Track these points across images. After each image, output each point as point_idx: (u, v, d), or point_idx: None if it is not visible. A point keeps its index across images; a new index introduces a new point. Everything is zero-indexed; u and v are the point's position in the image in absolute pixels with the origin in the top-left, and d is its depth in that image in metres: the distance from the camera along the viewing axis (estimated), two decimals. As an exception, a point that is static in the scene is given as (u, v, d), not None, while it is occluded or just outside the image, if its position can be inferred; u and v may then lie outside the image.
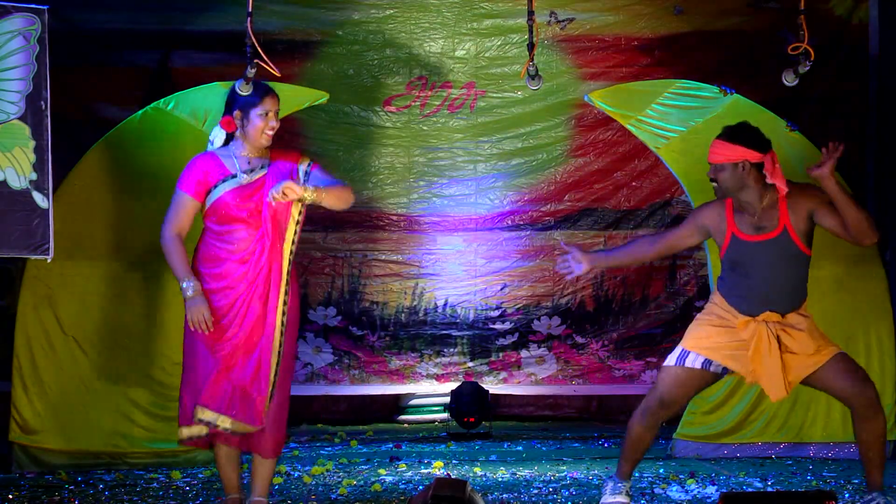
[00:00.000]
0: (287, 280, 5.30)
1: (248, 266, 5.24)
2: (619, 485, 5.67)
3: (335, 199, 5.32)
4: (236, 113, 5.36)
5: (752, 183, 5.42)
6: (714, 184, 5.48)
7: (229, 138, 5.44)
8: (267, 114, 5.32)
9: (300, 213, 5.33)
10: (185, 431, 5.32)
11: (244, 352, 5.24)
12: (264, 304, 5.25)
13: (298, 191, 5.16)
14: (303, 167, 5.38)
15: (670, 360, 5.56)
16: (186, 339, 5.34)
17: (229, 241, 5.28)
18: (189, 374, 5.34)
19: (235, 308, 5.25)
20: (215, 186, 5.30)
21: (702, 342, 5.50)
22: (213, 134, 5.48)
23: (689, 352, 5.51)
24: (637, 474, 6.76)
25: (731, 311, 5.49)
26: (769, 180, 5.43)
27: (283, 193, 5.13)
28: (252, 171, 5.33)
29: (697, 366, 5.48)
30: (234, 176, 5.31)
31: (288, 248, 5.30)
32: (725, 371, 5.56)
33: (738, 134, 5.46)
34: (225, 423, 5.25)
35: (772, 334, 5.39)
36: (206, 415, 5.24)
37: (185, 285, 5.28)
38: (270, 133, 5.34)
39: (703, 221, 5.59)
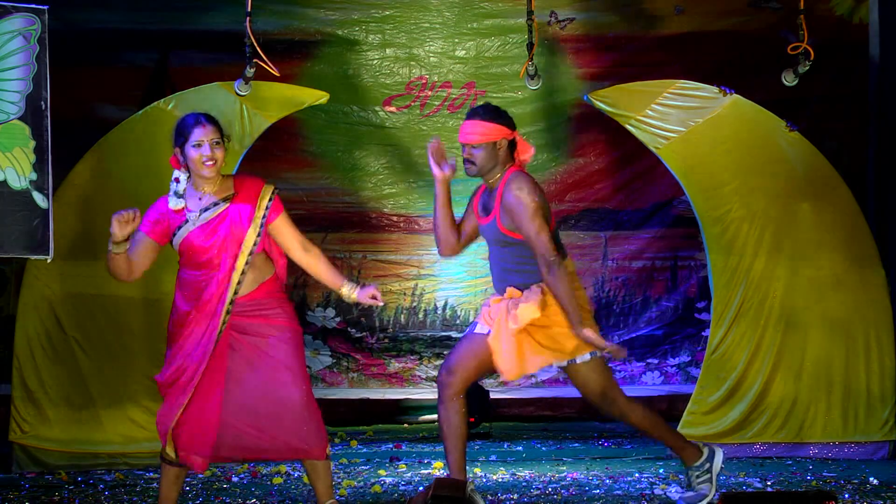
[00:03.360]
0: (228, 309, 5.09)
1: (208, 301, 5.11)
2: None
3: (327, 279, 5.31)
4: (176, 151, 5.15)
5: (500, 161, 5.46)
6: (469, 165, 5.47)
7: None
8: (199, 145, 5.07)
9: (255, 242, 5.11)
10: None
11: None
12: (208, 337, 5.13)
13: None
14: (261, 209, 5.14)
15: (466, 331, 5.66)
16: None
17: (190, 287, 5.12)
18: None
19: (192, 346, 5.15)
20: (180, 227, 5.12)
21: (486, 315, 5.53)
22: (174, 175, 5.18)
23: (478, 321, 5.57)
24: (637, 474, 6.76)
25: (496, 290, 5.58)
26: (521, 156, 5.50)
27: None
28: (207, 209, 5.12)
29: (485, 331, 5.51)
30: (198, 212, 5.11)
31: (234, 283, 5.10)
32: None
33: (494, 113, 5.50)
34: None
35: (508, 312, 5.39)
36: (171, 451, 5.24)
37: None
38: (210, 164, 5.07)
39: (472, 201, 5.66)
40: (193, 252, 5.11)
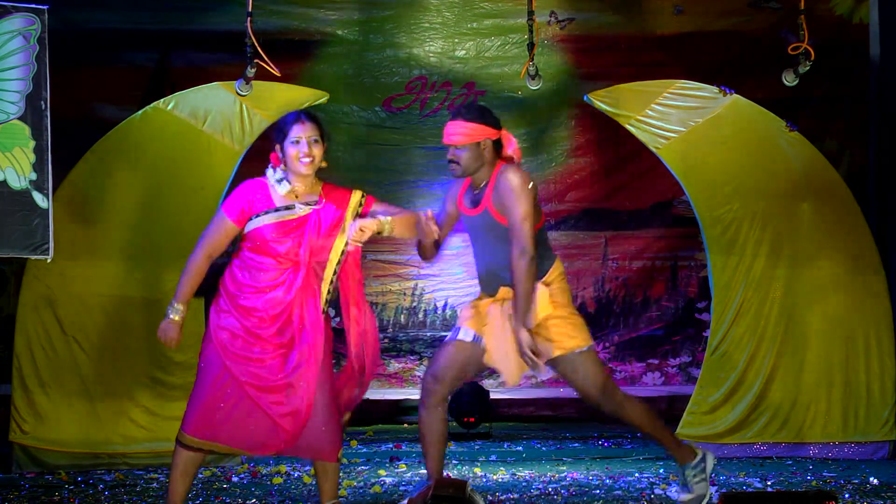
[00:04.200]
0: (323, 317, 5.21)
1: (275, 301, 5.14)
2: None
3: (405, 228, 5.24)
4: (276, 147, 5.18)
5: (487, 160, 5.39)
6: (454, 165, 5.37)
7: None
8: (298, 141, 5.11)
9: (342, 252, 5.17)
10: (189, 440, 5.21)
11: (272, 385, 5.13)
12: (291, 339, 5.17)
13: (374, 226, 5.11)
14: (353, 204, 5.21)
15: (448, 337, 5.54)
16: (209, 356, 5.21)
17: (258, 272, 5.15)
18: (199, 393, 5.19)
19: (262, 343, 5.15)
20: (257, 215, 5.14)
21: (472, 318, 5.46)
22: (270, 171, 5.21)
23: (460, 327, 5.49)
24: (637, 474, 6.76)
25: (482, 291, 5.50)
26: (508, 153, 5.42)
27: (361, 231, 5.09)
28: (289, 208, 5.15)
29: (468, 339, 5.45)
30: (278, 209, 5.15)
31: (326, 287, 5.21)
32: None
33: (478, 112, 5.41)
34: (215, 447, 5.18)
35: (505, 315, 5.36)
36: (195, 442, 5.18)
37: (175, 305, 5.22)
38: (307, 160, 5.11)
39: (453, 193, 5.52)
40: (263, 242, 5.13)
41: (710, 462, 5.58)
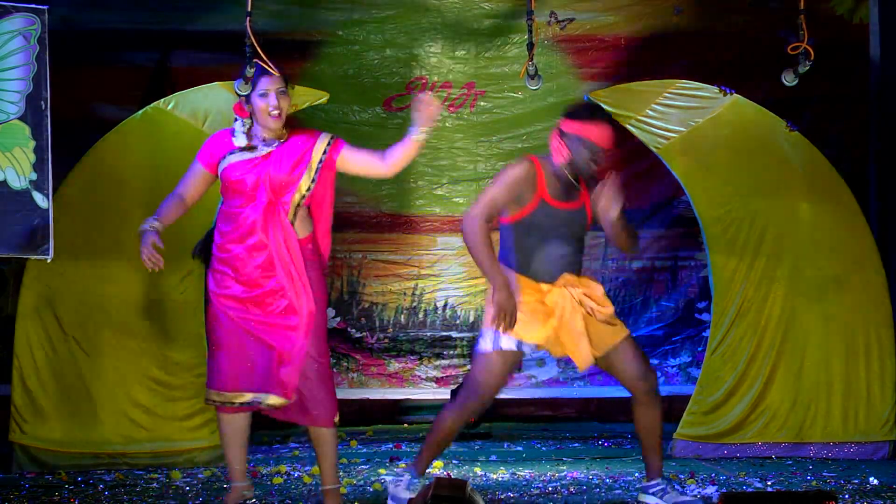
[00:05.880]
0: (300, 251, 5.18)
1: (254, 244, 5.14)
2: (416, 480, 5.64)
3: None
4: (242, 99, 5.26)
5: None
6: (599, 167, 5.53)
7: None
8: (266, 94, 5.16)
9: (308, 188, 5.20)
10: (216, 396, 5.23)
11: (270, 329, 5.15)
12: (281, 279, 5.15)
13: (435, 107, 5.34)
14: (321, 145, 5.22)
15: (486, 345, 5.44)
16: (212, 313, 5.27)
17: (234, 217, 5.19)
18: (217, 354, 5.24)
19: (251, 288, 5.15)
20: (223, 158, 5.21)
21: (528, 321, 5.42)
22: (236, 120, 5.30)
23: (499, 334, 5.39)
24: (637, 474, 6.76)
25: (532, 284, 5.45)
26: None
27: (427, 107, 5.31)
28: (254, 148, 5.21)
29: (513, 347, 5.42)
30: (241, 150, 5.19)
31: (290, 218, 5.18)
32: (532, 349, 5.50)
33: None
34: (269, 399, 5.14)
35: (574, 298, 5.42)
36: (246, 397, 5.18)
37: (151, 220, 5.22)
38: (276, 112, 5.15)
39: (521, 183, 5.51)
40: (230, 182, 5.19)
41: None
